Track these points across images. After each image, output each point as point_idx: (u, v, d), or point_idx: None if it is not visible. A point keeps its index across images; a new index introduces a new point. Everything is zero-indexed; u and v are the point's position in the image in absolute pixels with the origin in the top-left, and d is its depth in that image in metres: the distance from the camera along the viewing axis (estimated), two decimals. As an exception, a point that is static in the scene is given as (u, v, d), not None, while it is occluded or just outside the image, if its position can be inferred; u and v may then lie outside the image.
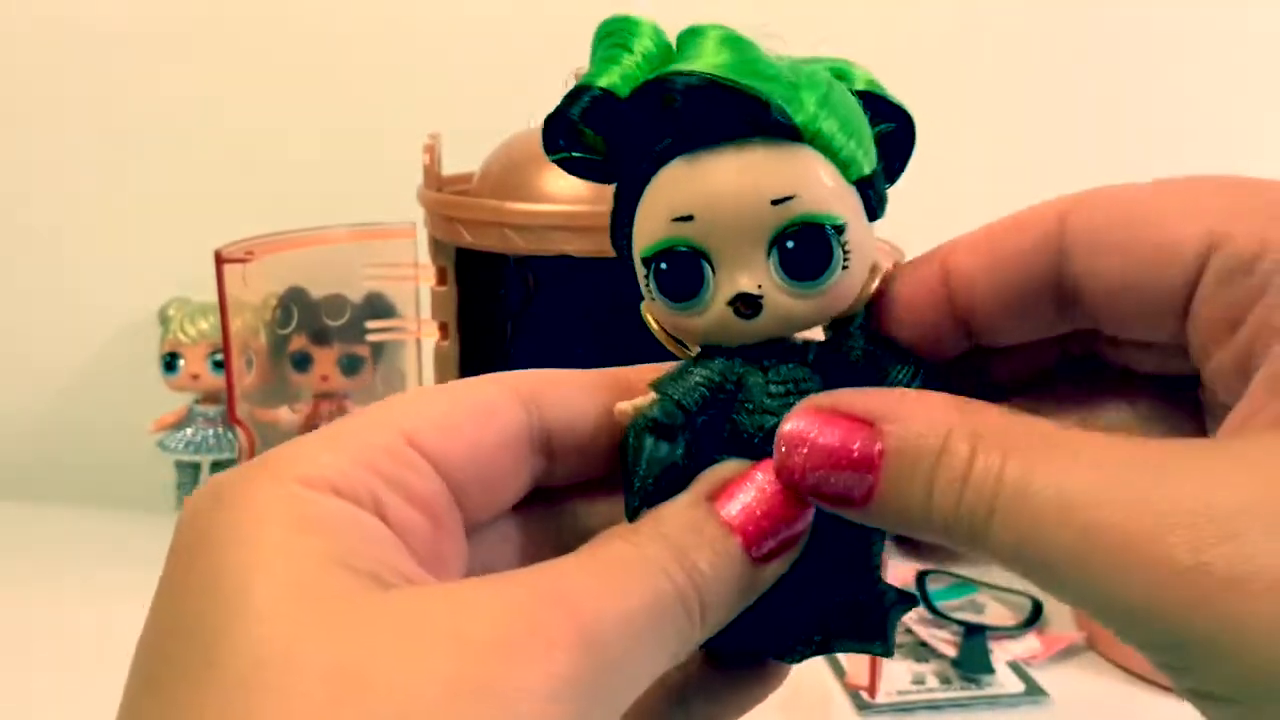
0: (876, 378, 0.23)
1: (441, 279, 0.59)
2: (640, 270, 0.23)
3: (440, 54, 0.84)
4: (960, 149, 0.83)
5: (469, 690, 0.16)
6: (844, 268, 0.23)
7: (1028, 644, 0.67)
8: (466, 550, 0.22)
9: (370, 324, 0.71)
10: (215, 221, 0.70)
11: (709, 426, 0.23)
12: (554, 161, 0.24)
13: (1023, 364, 0.25)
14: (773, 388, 0.23)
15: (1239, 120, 0.84)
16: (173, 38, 0.86)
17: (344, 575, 0.18)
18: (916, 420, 0.20)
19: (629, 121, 0.23)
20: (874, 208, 0.24)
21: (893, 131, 0.24)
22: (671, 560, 0.20)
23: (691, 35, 0.22)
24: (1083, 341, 0.24)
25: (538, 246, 0.53)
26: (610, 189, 0.24)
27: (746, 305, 0.23)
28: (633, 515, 0.22)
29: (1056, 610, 0.70)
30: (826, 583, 0.24)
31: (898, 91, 0.24)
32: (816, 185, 0.22)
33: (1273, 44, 0.83)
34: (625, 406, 0.23)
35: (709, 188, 0.22)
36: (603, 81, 0.22)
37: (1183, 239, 0.20)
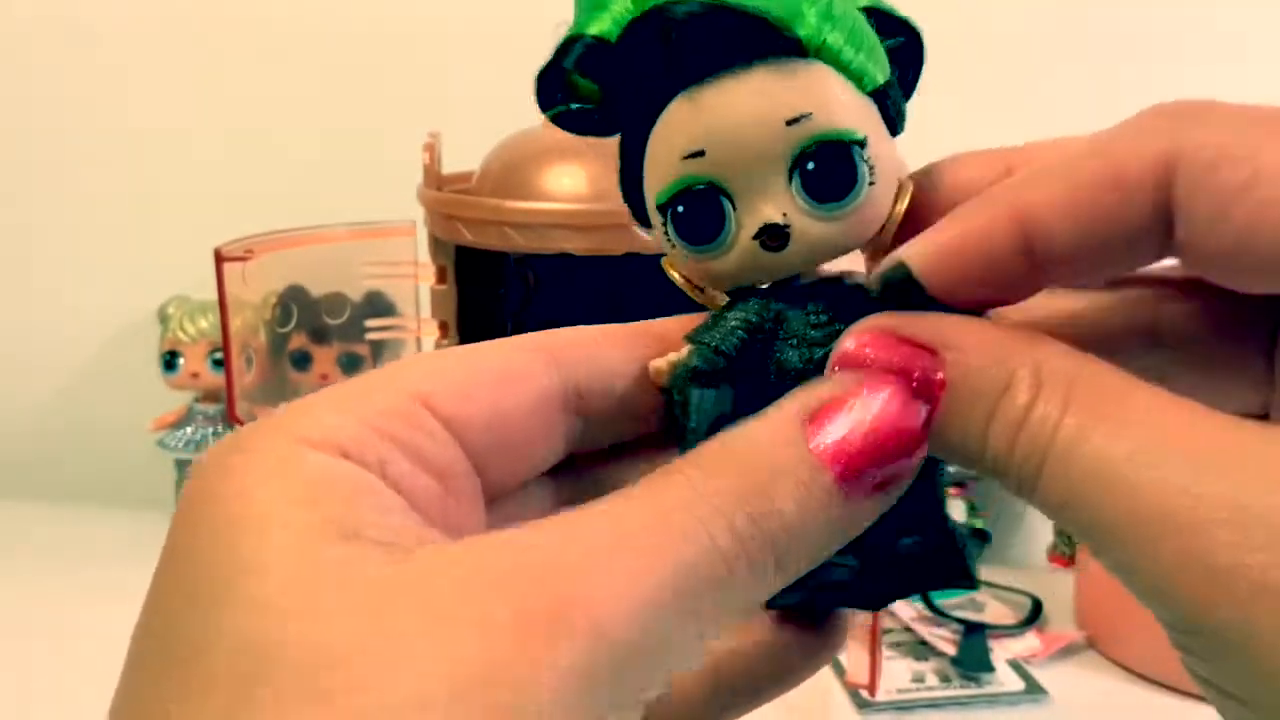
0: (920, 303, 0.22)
1: (441, 278, 0.59)
2: (656, 219, 0.22)
3: (440, 54, 0.84)
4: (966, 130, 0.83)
5: (467, 685, 0.15)
6: (870, 184, 0.21)
7: (1027, 642, 0.67)
8: (484, 519, 0.20)
9: (370, 323, 0.71)
10: (215, 220, 0.70)
11: (754, 370, 0.22)
12: (550, 119, 0.23)
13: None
14: (814, 319, 0.22)
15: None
16: (172, 37, 0.86)
17: (345, 548, 0.16)
18: (981, 352, 0.19)
19: (625, 65, 0.21)
20: (893, 119, 0.23)
21: (901, 45, 0.23)
22: (737, 504, 0.17)
23: None
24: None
25: (538, 245, 0.53)
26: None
27: (774, 237, 0.21)
28: (679, 446, 0.21)
29: (1056, 609, 0.70)
30: (899, 522, 0.22)
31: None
32: (831, 100, 0.21)
33: (1273, 43, 0.83)
34: (660, 363, 0.22)
35: (717, 118, 0.21)
36: (594, 29, 0.21)
37: None
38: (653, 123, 0.22)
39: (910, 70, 0.23)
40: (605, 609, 0.16)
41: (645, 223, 0.23)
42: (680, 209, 0.21)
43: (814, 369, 0.21)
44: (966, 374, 0.19)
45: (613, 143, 0.23)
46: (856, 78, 0.22)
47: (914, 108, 0.23)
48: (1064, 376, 0.18)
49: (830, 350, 0.21)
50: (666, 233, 0.22)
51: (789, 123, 0.21)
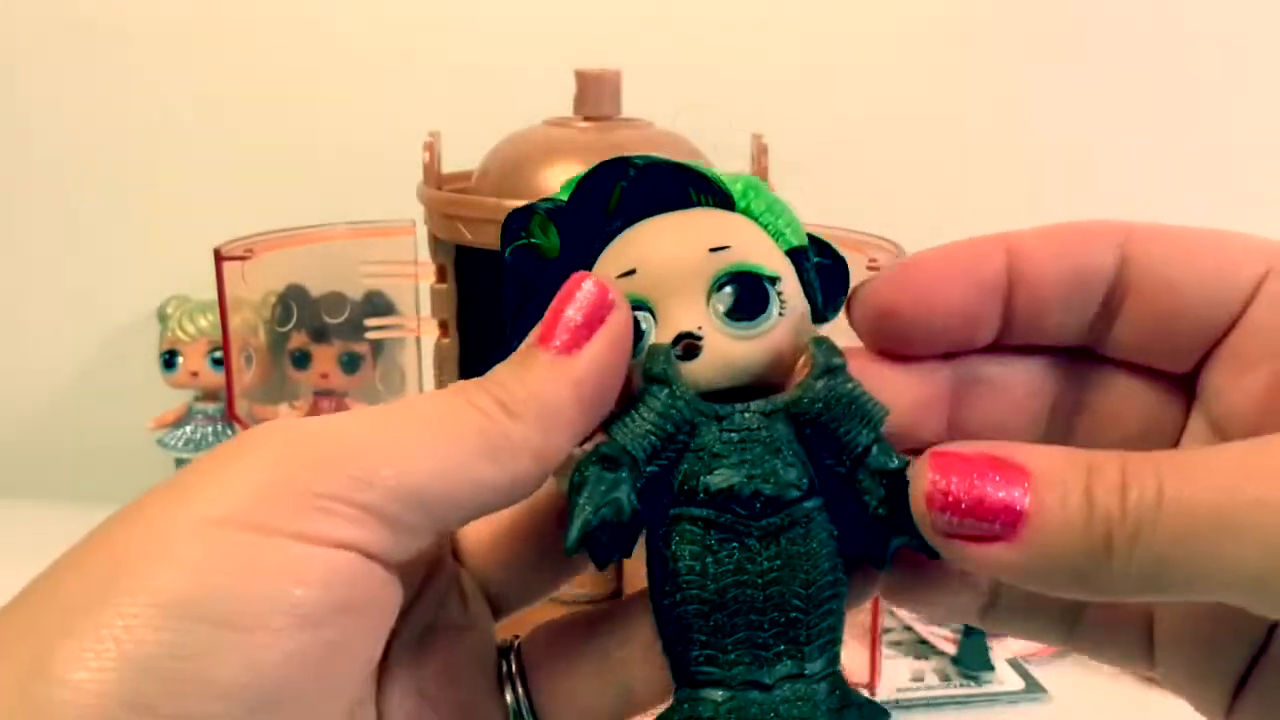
0: (844, 424, 0.23)
1: (441, 276, 0.59)
2: None
3: (440, 52, 0.84)
4: (959, 152, 0.83)
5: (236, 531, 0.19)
6: (781, 314, 0.23)
7: (1027, 641, 0.67)
8: None
9: (370, 322, 0.72)
10: (215, 219, 0.70)
11: (660, 476, 0.23)
12: (509, 256, 0.25)
13: (1020, 389, 0.26)
14: (725, 435, 0.23)
15: (1240, 121, 0.83)
16: (172, 35, 0.86)
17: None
18: (1054, 454, 0.20)
19: (578, 209, 0.24)
20: (810, 289, 0.25)
21: (830, 266, 0.26)
22: (473, 386, 0.22)
23: None
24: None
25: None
26: None
27: (687, 347, 0.23)
28: (572, 548, 0.22)
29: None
30: (771, 642, 0.23)
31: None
32: (751, 240, 0.24)
33: (1273, 42, 0.83)
34: (576, 452, 0.23)
35: (650, 242, 0.24)
36: (556, 195, 0.25)
37: (1240, 266, 0.23)
38: (598, 250, 0.24)
39: (838, 290, 0.26)
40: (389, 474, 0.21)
41: None
42: None
43: (714, 488, 0.23)
44: (1054, 469, 0.20)
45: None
46: (775, 235, 0.25)
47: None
48: (1138, 456, 0.20)
49: (728, 464, 0.23)
50: None
51: (712, 250, 0.23)
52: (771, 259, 0.24)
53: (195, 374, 0.82)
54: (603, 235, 0.24)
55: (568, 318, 0.23)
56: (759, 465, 0.23)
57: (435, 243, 0.59)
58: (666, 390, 0.23)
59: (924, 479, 0.21)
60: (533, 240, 0.25)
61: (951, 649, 0.65)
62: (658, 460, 0.23)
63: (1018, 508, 0.20)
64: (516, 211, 0.25)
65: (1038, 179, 0.83)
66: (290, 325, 0.72)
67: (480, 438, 0.21)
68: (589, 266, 0.24)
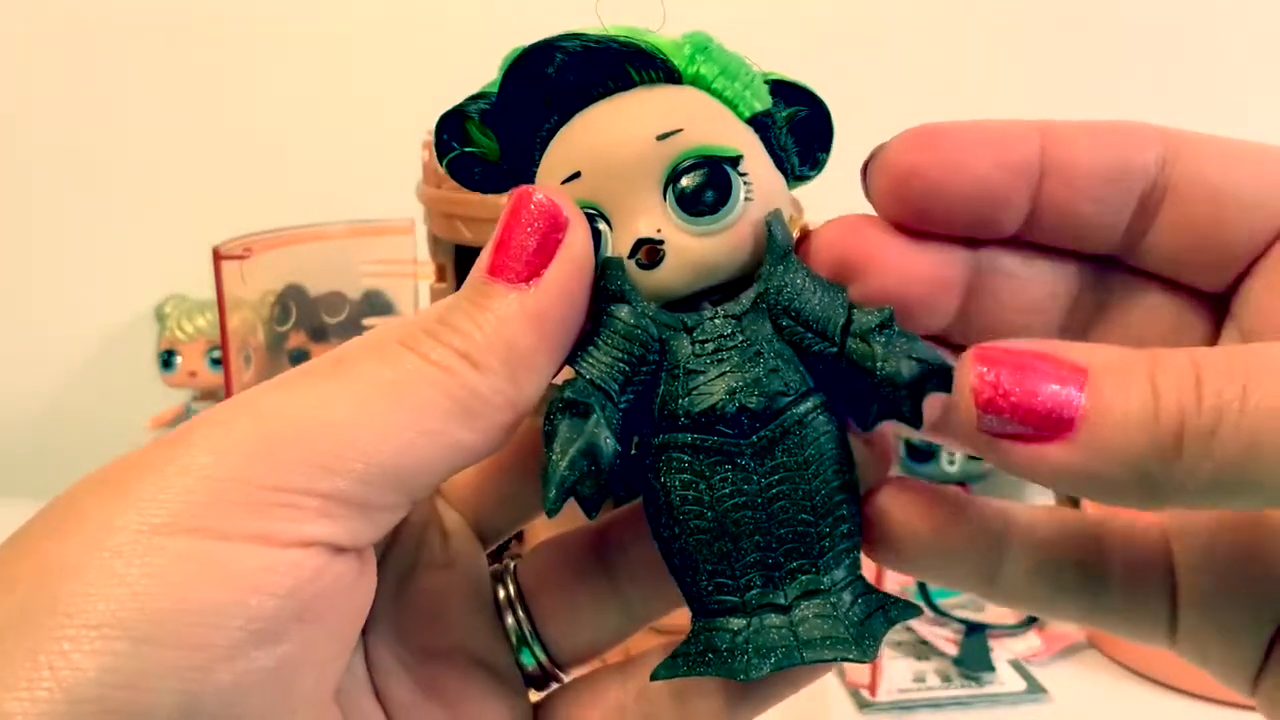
0: (834, 319, 0.21)
1: (441, 276, 0.59)
2: None
3: (440, 51, 0.84)
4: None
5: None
6: (747, 199, 0.21)
7: (1029, 642, 0.67)
8: None
9: (369, 321, 0.71)
10: (213, 218, 0.69)
11: (637, 402, 0.21)
12: (446, 168, 0.23)
13: (1039, 290, 0.23)
14: (697, 347, 0.21)
15: (1240, 114, 0.83)
16: (172, 34, 0.85)
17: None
18: (1109, 350, 0.18)
19: (508, 109, 0.22)
20: (780, 154, 0.22)
21: (807, 116, 0.23)
22: (422, 335, 0.20)
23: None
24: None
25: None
26: None
27: (648, 254, 0.21)
28: (552, 508, 0.20)
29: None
30: (779, 561, 0.21)
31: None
32: (702, 118, 0.21)
33: (1272, 38, 0.83)
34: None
35: (590, 138, 0.21)
36: (486, 89, 0.22)
37: (1139, 149, 0.21)
38: (537, 154, 0.22)
39: (818, 141, 0.23)
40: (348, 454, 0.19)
41: None
42: None
43: (696, 406, 0.21)
44: (1112, 361, 0.18)
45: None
46: (731, 104, 0.22)
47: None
48: (1213, 354, 0.18)
49: (705, 380, 0.21)
50: None
51: (660, 137, 0.21)
52: (731, 135, 0.21)
53: (193, 374, 0.81)
54: (541, 132, 0.22)
55: (519, 243, 0.20)
56: (739, 376, 0.21)
57: (434, 242, 0.59)
58: (627, 308, 0.21)
59: (969, 374, 0.19)
60: (468, 149, 0.22)
61: (953, 650, 0.65)
62: (632, 387, 0.21)
63: (1075, 404, 0.18)
64: (445, 118, 0.22)
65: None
66: (289, 325, 0.72)
67: (449, 399, 0.19)
68: (533, 169, 0.22)
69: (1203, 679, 0.63)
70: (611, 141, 0.21)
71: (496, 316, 0.20)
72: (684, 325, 0.21)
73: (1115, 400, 0.18)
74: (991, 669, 0.64)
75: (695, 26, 0.23)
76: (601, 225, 0.21)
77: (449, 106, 0.22)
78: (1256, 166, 0.21)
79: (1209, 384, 0.17)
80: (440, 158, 0.23)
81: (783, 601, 0.21)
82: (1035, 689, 0.63)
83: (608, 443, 0.20)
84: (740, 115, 0.22)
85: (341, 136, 0.84)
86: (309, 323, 0.73)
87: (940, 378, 0.21)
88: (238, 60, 0.86)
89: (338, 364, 0.20)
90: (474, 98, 0.22)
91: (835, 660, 0.21)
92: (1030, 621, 0.68)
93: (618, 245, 0.21)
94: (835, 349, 0.21)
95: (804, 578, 0.21)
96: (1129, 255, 0.22)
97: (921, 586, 0.69)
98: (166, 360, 0.82)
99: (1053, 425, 0.18)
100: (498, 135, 0.22)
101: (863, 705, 0.61)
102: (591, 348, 0.21)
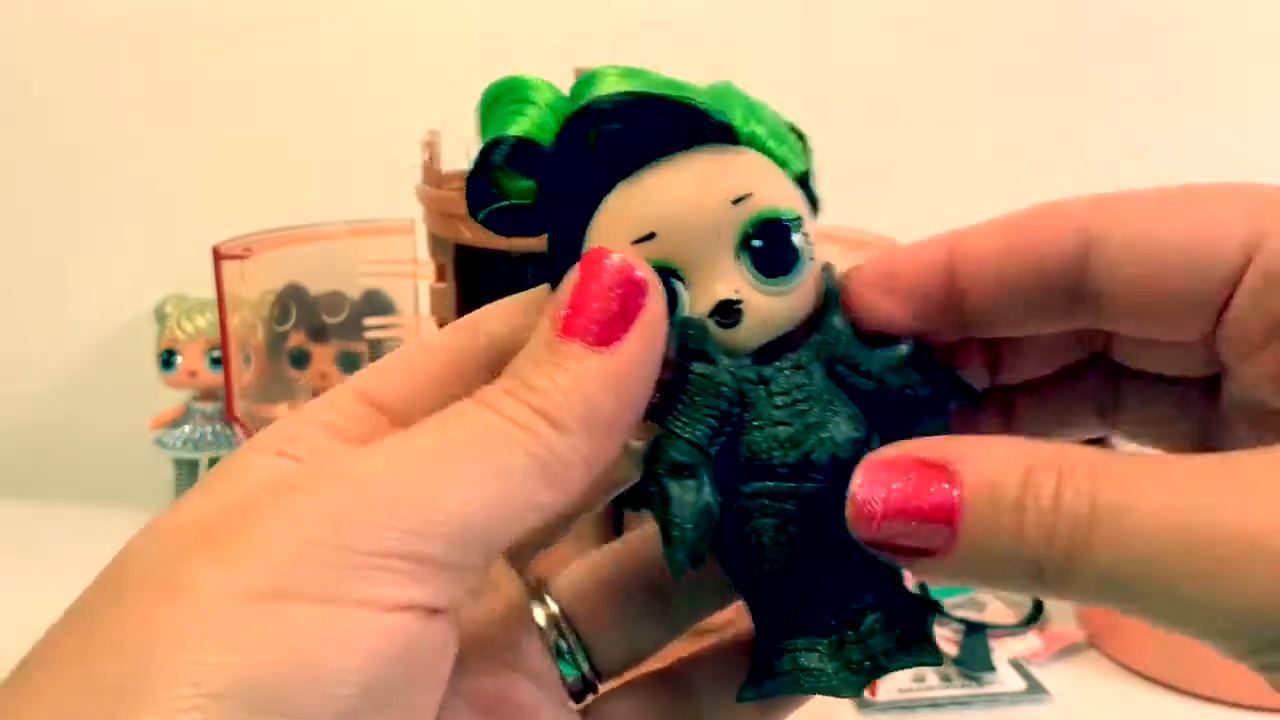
0: (869, 359, 0.23)
1: (440, 276, 0.59)
2: None
3: (440, 50, 0.84)
4: (959, 149, 0.83)
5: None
6: (810, 259, 0.22)
7: (1029, 642, 0.67)
8: None
9: (369, 321, 0.71)
10: (213, 218, 0.69)
11: (722, 454, 0.22)
12: (481, 221, 0.23)
13: (1032, 363, 0.24)
14: (779, 399, 0.22)
15: (1241, 119, 0.83)
16: (172, 34, 0.85)
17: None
18: (991, 458, 0.19)
19: (559, 161, 0.22)
20: (813, 208, 0.24)
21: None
22: (500, 392, 0.20)
23: (589, 77, 0.22)
24: (1091, 342, 0.24)
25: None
26: None
27: (727, 314, 0.22)
28: (679, 570, 0.21)
29: (1057, 608, 0.70)
30: (859, 597, 0.23)
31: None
32: (768, 181, 0.22)
33: (1272, 38, 0.83)
34: (636, 446, 0.22)
35: (666, 200, 0.22)
36: (514, 130, 0.22)
37: (1220, 240, 0.20)
38: (589, 215, 0.22)
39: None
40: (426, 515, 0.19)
41: None
42: None
43: (780, 456, 0.22)
44: (981, 477, 0.19)
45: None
46: (781, 163, 0.23)
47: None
48: (1079, 459, 0.19)
49: (795, 431, 0.22)
50: None
51: (735, 201, 0.22)
52: (790, 195, 0.22)
53: (194, 373, 0.81)
54: (594, 184, 0.22)
55: (598, 306, 0.20)
56: (824, 426, 0.22)
57: (434, 242, 0.59)
58: (712, 367, 0.22)
59: (853, 485, 0.20)
60: (510, 201, 0.23)
61: (953, 650, 0.65)
62: (718, 439, 0.22)
63: (952, 522, 0.19)
64: (474, 176, 0.22)
65: (1039, 178, 0.83)
66: (289, 324, 0.72)
67: (531, 459, 0.19)
68: (579, 218, 0.22)
69: (1203, 679, 0.63)
70: (688, 205, 0.22)
71: (574, 376, 0.20)
72: (761, 378, 0.22)
73: (983, 531, 0.19)
74: (991, 669, 0.64)
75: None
76: (678, 285, 0.22)
77: (477, 157, 0.22)
78: (1189, 225, 0.20)
79: (1065, 493, 0.18)
80: (474, 212, 0.23)
81: (852, 619, 0.23)
82: (1035, 689, 0.63)
83: (715, 501, 0.22)
84: (790, 174, 0.23)
85: (341, 136, 0.84)
86: (309, 322, 0.73)
87: (962, 396, 0.23)
88: (238, 60, 0.86)
89: (426, 430, 0.20)
90: (492, 145, 0.22)
91: (921, 664, 0.23)
92: (1030, 621, 0.68)
93: (695, 304, 0.22)
94: (876, 384, 0.23)
95: (869, 596, 0.23)
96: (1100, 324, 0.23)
97: (922, 587, 0.69)
98: (166, 360, 0.81)
99: (930, 536, 0.19)
100: (543, 184, 0.22)
101: (863, 705, 0.61)
102: (680, 406, 0.22)
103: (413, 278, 0.66)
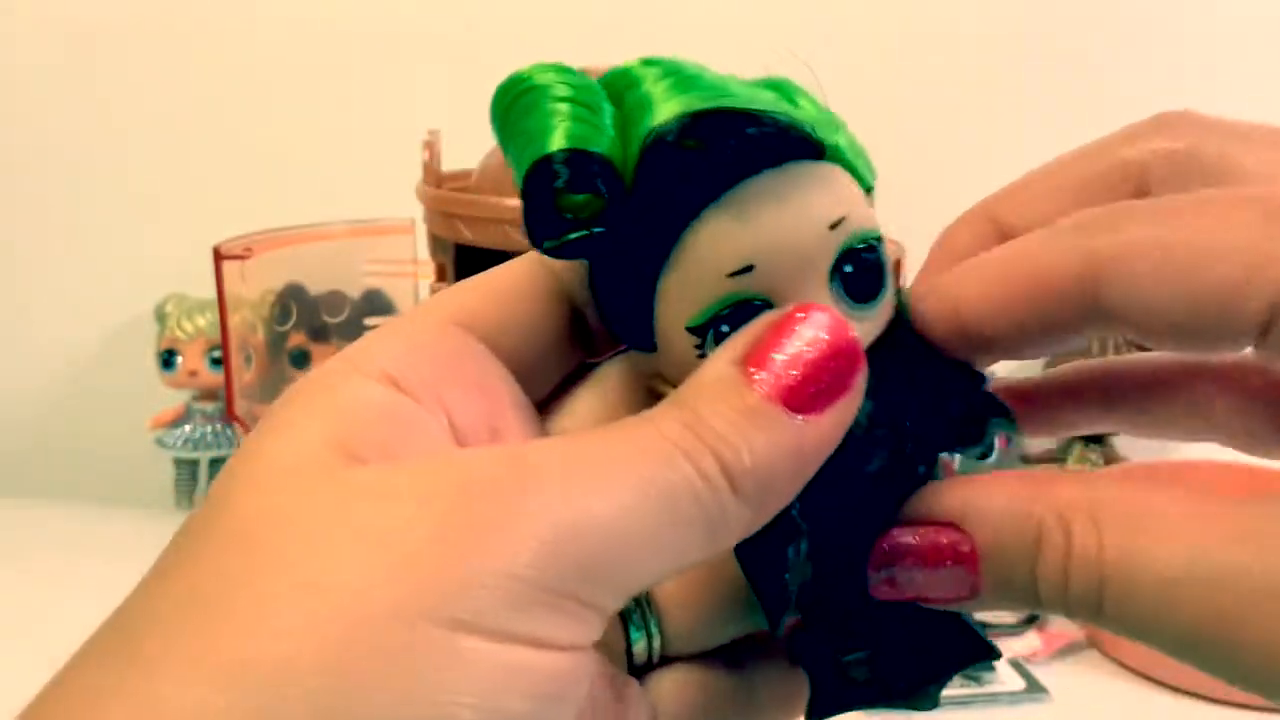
0: (947, 384, 0.22)
1: (441, 275, 0.59)
2: (686, 341, 0.20)
3: (440, 51, 0.84)
4: (960, 148, 0.83)
5: (404, 593, 0.16)
6: (890, 278, 0.21)
7: (1028, 641, 0.67)
8: (535, 424, 0.22)
9: (369, 320, 0.71)
10: (214, 218, 0.69)
11: (818, 504, 0.21)
12: (547, 251, 0.20)
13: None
14: (857, 429, 0.20)
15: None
16: (172, 34, 0.85)
17: (338, 466, 0.18)
18: (996, 511, 0.20)
19: (646, 179, 0.20)
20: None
21: None
22: (690, 437, 0.18)
23: (631, 84, 0.20)
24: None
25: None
26: None
27: None
28: (778, 626, 0.21)
29: (1057, 608, 0.70)
30: (907, 608, 0.22)
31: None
32: (857, 201, 0.21)
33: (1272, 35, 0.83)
34: None
35: (765, 229, 0.20)
36: (558, 143, 0.20)
37: (1243, 298, 0.18)
38: (675, 239, 0.20)
39: None
40: (559, 518, 0.17)
41: (640, 345, 0.21)
42: (725, 329, 0.20)
43: (872, 490, 0.21)
44: (991, 536, 0.19)
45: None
46: (860, 178, 0.22)
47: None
48: (1084, 507, 0.19)
49: (879, 460, 0.21)
50: (703, 353, 0.20)
51: (831, 227, 0.20)
52: (871, 214, 0.21)
53: (194, 373, 0.81)
54: (682, 210, 0.20)
55: (812, 375, 0.19)
56: (911, 452, 0.22)
57: (434, 241, 0.59)
58: None
59: (872, 572, 0.21)
60: (586, 230, 0.20)
61: (952, 649, 0.65)
62: (808, 490, 0.21)
63: (969, 565, 0.20)
64: (534, 208, 0.20)
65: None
66: (289, 324, 0.72)
67: (703, 516, 0.18)
68: (660, 241, 0.20)
69: (1203, 679, 0.63)
70: (789, 233, 0.20)
71: (769, 441, 0.19)
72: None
73: (1000, 574, 0.20)
74: (991, 668, 0.64)
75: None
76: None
77: (524, 191, 0.20)
78: (1201, 282, 0.19)
79: (1075, 539, 0.18)
80: (538, 243, 0.20)
81: (900, 631, 0.23)
82: (1035, 688, 0.63)
83: (809, 554, 0.21)
84: (863, 186, 0.22)
85: (341, 136, 0.84)
86: (309, 322, 0.73)
87: (998, 414, 0.22)
88: (238, 60, 0.86)
89: (599, 442, 0.19)
90: (544, 166, 0.20)
91: (978, 661, 0.24)
92: (1030, 621, 0.68)
93: None
94: (938, 404, 0.22)
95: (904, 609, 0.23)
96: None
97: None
98: (167, 360, 0.81)
99: (953, 591, 0.20)
100: (613, 202, 0.20)
101: (863, 705, 0.61)
102: None
103: (413, 277, 0.66)
